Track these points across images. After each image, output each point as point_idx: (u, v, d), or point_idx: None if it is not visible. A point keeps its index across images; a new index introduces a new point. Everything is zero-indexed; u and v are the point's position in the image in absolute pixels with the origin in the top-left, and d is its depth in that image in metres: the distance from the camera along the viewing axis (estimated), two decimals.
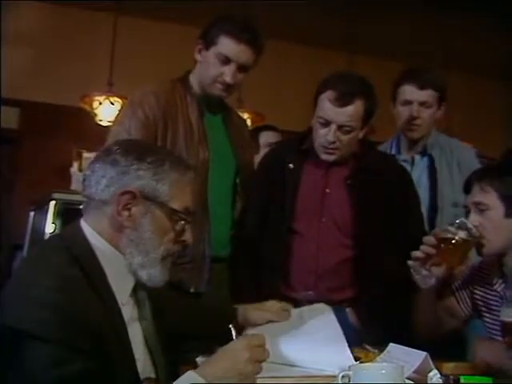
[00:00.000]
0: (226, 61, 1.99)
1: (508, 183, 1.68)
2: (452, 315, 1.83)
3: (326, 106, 1.91)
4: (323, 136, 1.94)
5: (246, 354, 1.14)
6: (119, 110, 2.14)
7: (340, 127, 1.92)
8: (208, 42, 2.01)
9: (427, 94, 2.37)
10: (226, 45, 1.98)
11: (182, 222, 1.31)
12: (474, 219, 1.68)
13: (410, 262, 1.68)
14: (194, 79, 2.10)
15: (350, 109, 1.90)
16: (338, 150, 1.96)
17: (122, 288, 1.27)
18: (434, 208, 2.33)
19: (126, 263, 1.27)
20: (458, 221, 1.68)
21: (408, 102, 2.38)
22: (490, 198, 1.67)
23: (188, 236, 1.34)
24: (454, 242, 1.64)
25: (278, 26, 4.79)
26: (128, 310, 1.29)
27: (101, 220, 1.27)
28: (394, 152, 2.49)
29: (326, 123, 1.93)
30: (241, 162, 2.14)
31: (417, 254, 1.67)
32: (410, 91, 2.38)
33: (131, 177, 1.25)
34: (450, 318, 1.83)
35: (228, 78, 2.00)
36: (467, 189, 1.75)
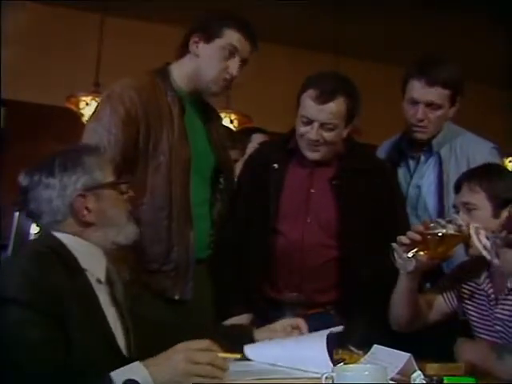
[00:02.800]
0: (232, 53, 1.96)
1: (497, 184, 1.70)
2: (432, 309, 1.84)
3: (308, 104, 1.93)
4: (306, 134, 1.95)
5: (181, 355, 1.21)
6: (96, 106, 2.02)
7: (322, 125, 1.93)
8: (210, 34, 1.96)
9: (435, 95, 2.15)
10: (234, 37, 1.96)
11: (123, 186, 1.49)
12: (462, 219, 1.68)
13: (394, 245, 1.68)
14: (179, 75, 2.01)
15: (331, 106, 1.91)
16: (323, 147, 1.97)
17: (95, 275, 1.39)
18: (440, 211, 2.19)
19: (96, 250, 1.42)
20: (449, 215, 1.69)
21: (414, 101, 2.18)
22: (479, 198, 1.69)
23: (128, 191, 1.50)
24: (440, 234, 1.64)
25: (264, 27, 4.77)
26: (103, 291, 1.40)
27: (70, 227, 1.40)
28: (403, 146, 2.34)
29: (309, 121, 1.94)
30: (220, 159, 2.10)
31: (402, 239, 1.67)
32: (416, 88, 2.17)
33: (68, 186, 1.40)
34: (429, 311, 1.83)
35: (234, 71, 1.97)
36: (457, 188, 1.76)
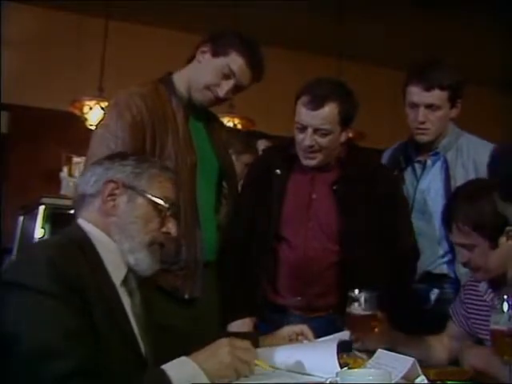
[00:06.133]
0: (228, 76, 1.97)
1: (484, 215, 1.62)
2: (450, 340, 1.83)
3: (301, 111, 1.95)
4: (301, 141, 1.97)
5: (227, 348, 1.26)
6: (103, 113, 2.05)
7: (316, 130, 1.94)
8: (218, 50, 1.98)
9: (434, 96, 2.18)
10: (237, 62, 1.96)
11: (165, 211, 1.42)
12: (463, 256, 1.68)
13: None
14: (180, 80, 2.04)
15: (322, 112, 1.92)
16: (319, 154, 1.98)
17: (116, 272, 1.37)
18: None
19: (119, 250, 1.38)
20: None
21: (414, 105, 2.22)
22: (472, 238, 1.64)
23: (172, 227, 1.44)
24: (353, 316, 1.60)
25: (267, 31, 4.80)
26: (125, 295, 1.39)
27: (92, 212, 1.40)
28: (409, 151, 2.35)
29: (303, 128, 1.95)
30: (224, 164, 2.13)
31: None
32: (415, 93, 2.20)
33: (115, 170, 1.41)
34: (446, 346, 1.82)
35: (222, 93, 1.98)
36: (447, 228, 1.72)
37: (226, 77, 1.97)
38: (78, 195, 1.44)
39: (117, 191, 1.39)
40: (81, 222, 1.40)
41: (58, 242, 1.34)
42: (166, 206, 1.42)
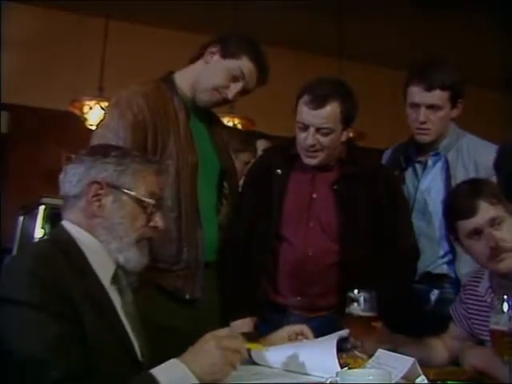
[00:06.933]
0: (236, 78, 1.98)
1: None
2: (451, 339, 1.81)
3: (303, 110, 1.95)
4: (303, 140, 1.97)
5: (212, 342, 1.23)
6: (104, 113, 2.05)
7: (318, 130, 1.94)
8: (229, 52, 1.99)
9: (435, 97, 2.18)
10: (248, 66, 1.98)
11: (151, 207, 1.40)
12: (496, 234, 1.62)
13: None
14: (182, 80, 2.04)
15: (324, 111, 1.93)
16: (320, 153, 1.98)
17: (104, 273, 1.36)
18: None
19: (105, 250, 1.37)
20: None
21: (415, 105, 2.21)
22: (499, 208, 1.61)
23: (159, 221, 1.43)
24: (352, 317, 1.58)
25: (268, 31, 4.80)
26: (115, 294, 1.38)
27: (77, 213, 1.38)
28: (410, 151, 2.35)
29: (305, 127, 1.96)
30: (225, 165, 2.13)
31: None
32: (416, 94, 2.20)
33: (97, 170, 1.37)
34: (447, 346, 1.80)
35: (230, 95, 1.99)
36: (470, 212, 1.65)
37: (235, 79, 1.98)
38: (61, 196, 1.41)
39: (101, 191, 1.36)
40: (65, 223, 1.38)
41: (41, 249, 1.33)
42: (153, 202, 1.41)
